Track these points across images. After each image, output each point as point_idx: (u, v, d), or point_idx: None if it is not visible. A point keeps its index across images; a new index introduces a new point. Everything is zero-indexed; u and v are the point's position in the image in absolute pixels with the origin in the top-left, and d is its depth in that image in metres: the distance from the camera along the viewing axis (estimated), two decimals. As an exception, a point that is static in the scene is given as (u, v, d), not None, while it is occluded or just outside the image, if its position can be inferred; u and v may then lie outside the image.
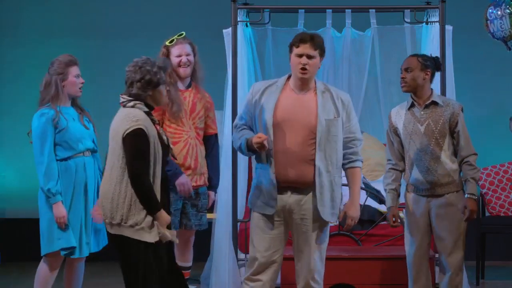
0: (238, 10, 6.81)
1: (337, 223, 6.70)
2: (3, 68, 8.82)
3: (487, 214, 7.72)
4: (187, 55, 6.08)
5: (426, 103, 5.58)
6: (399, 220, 5.67)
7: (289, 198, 5.17)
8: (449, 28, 6.77)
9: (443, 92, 6.71)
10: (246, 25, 7.08)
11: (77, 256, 5.71)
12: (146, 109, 4.99)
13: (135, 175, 4.87)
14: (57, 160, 5.65)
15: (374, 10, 7.26)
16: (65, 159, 5.67)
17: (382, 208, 6.85)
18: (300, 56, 5.12)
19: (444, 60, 6.72)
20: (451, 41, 6.78)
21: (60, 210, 5.61)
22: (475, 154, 5.56)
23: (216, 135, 6.30)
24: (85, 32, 8.79)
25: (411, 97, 5.63)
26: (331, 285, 6.09)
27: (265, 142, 5.03)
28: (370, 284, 6.22)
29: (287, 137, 5.12)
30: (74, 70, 5.73)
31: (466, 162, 5.52)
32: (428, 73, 5.60)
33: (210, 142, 6.26)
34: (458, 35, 6.96)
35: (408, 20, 7.06)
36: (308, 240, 5.18)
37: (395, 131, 5.68)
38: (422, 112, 5.58)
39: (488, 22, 7.10)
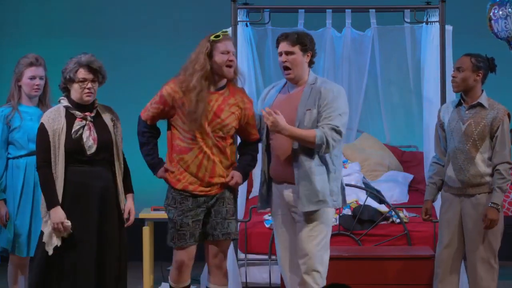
0: (238, 10, 6.81)
1: (337, 222, 6.72)
2: (3, 68, 8.80)
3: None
4: (233, 53, 5.28)
5: (472, 103, 5.54)
6: (430, 214, 5.71)
7: (285, 190, 5.31)
8: (449, 28, 6.77)
9: (443, 92, 6.71)
10: (246, 25, 7.09)
11: (25, 255, 5.73)
12: (66, 104, 5.19)
13: (36, 168, 5.18)
14: (9, 158, 5.72)
15: (374, 10, 7.27)
16: (17, 158, 5.72)
17: (382, 208, 6.85)
18: (281, 54, 5.26)
19: (444, 60, 6.72)
20: (451, 41, 6.78)
21: None
22: (509, 163, 5.49)
23: (258, 140, 5.44)
24: (85, 32, 8.78)
25: (461, 95, 5.60)
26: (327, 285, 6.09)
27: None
28: (370, 284, 6.22)
29: (277, 134, 5.22)
30: (29, 72, 5.77)
31: (497, 170, 5.48)
32: (480, 74, 5.54)
33: (249, 147, 5.43)
34: (458, 35, 6.96)
35: (408, 20, 7.06)
36: (300, 231, 5.26)
37: (442, 126, 5.67)
38: (466, 112, 5.55)
39: (492, 21, 7.10)
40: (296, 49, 5.21)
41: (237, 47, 6.75)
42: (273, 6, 7.10)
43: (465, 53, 5.60)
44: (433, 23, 6.84)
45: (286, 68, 5.25)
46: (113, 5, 8.82)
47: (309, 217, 5.24)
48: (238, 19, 6.80)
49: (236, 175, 5.33)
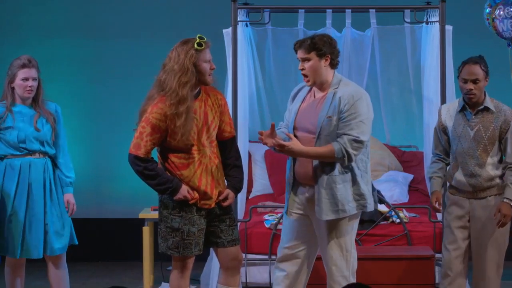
0: (238, 10, 6.80)
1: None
2: (3, 68, 8.82)
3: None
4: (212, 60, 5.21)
5: (479, 108, 5.48)
6: (441, 204, 5.62)
7: (306, 193, 5.30)
8: (449, 28, 6.76)
9: (443, 92, 6.70)
10: (246, 25, 7.08)
11: (18, 257, 5.71)
12: None
13: None
14: (1, 158, 5.74)
15: (374, 10, 7.26)
16: (11, 157, 5.71)
17: (382, 208, 6.85)
18: (300, 61, 5.25)
19: (444, 60, 6.71)
20: (451, 41, 6.77)
21: None
22: None
23: (233, 138, 5.35)
24: (85, 32, 8.78)
25: (463, 99, 5.52)
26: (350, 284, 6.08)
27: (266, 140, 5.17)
28: (370, 284, 6.19)
29: (301, 138, 5.24)
30: (22, 73, 5.74)
31: (510, 168, 5.45)
32: (488, 79, 5.50)
33: (227, 145, 5.32)
34: (458, 35, 6.95)
35: (408, 20, 7.06)
36: (322, 235, 5.27)
37: (444, 130, 5.61)
38: (473, 117, 5.49)
39: (497, 21, 7.10)
40: (312, 55, 5.17)
41: (237, 47, 6.76)
42: (273, 6, 7.09)
43: (471, 61, 5.47)
44: (433, 23, 6.83)
45: (304, 75, 5.24)
46: (113, 5, 8.81)
47: (329, 224, 5.23)
48: (238, 19, 6.80)
49: (231, 197, 5.28)
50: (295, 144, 5.14)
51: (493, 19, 7.20)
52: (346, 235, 5.26)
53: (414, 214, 6.98)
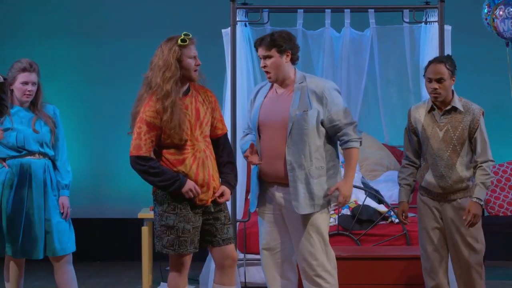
0: (237, 10, 6.81)
1: (336, 222, 6.72)
2: (3, 69, 8.82)
3: (486, 214, 7.71)
4: (197, 56, 5.21)
5: (447, 108, 5.45)
6: (408, 216, 5.63)
7: (276, 191, 5.31)
8: (448, 28, 6.76)
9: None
10: (245, 25, 7.08)
11: (19, 257, 5.71)
12: None
13: None
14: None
15: (373, 10, 7.26)
16: (9, 159, 5.70)
17: (381, 208, 6.86)
18: (261, 58, 5.27)
19: (443, 60, 6.72)
20: (450, 40, 6.78)
21: None
22: (492, 161, 5.43)
23: (225, 134, 5.36)
24: (85, 32, 8.79)
25: (432, 100, 5.49)
26: None
27: (253, 160, 5.25)
28: (369, 284, 6.22)
29: (268, 135, 5.26)
30: (22, 77, 5.71)
31: (480, 167, 5.39)
32: (454, 78, 5.45)
33: (220, 142, 5.33)
34: (457, 35, 6.95)
35: (407, 20, 7.07)
36: (299, 230, 5.25)
37: (414, 131, 5.56)
38: (442, 117, 5.45)
39: (498, 21, 7.10)
40: (273, 52, 5.20)
41: (235, 47, 6.76)
42: (272, 6, 7.09)
43: (437, 61, 5.44)
44: (432, 23, 6.83)
45: (266, 72, 5.26)
46: (113, 5, 8.83)
47: (306, 219, 5.24)
48: (237, 19, 6.80)
49: (227, 193, 5.27)
50: (344, 183, 5.21)
51: (493, 19, 7.21)
52: (324, 229, 5.28)
53: (413, 214, 6.97)
